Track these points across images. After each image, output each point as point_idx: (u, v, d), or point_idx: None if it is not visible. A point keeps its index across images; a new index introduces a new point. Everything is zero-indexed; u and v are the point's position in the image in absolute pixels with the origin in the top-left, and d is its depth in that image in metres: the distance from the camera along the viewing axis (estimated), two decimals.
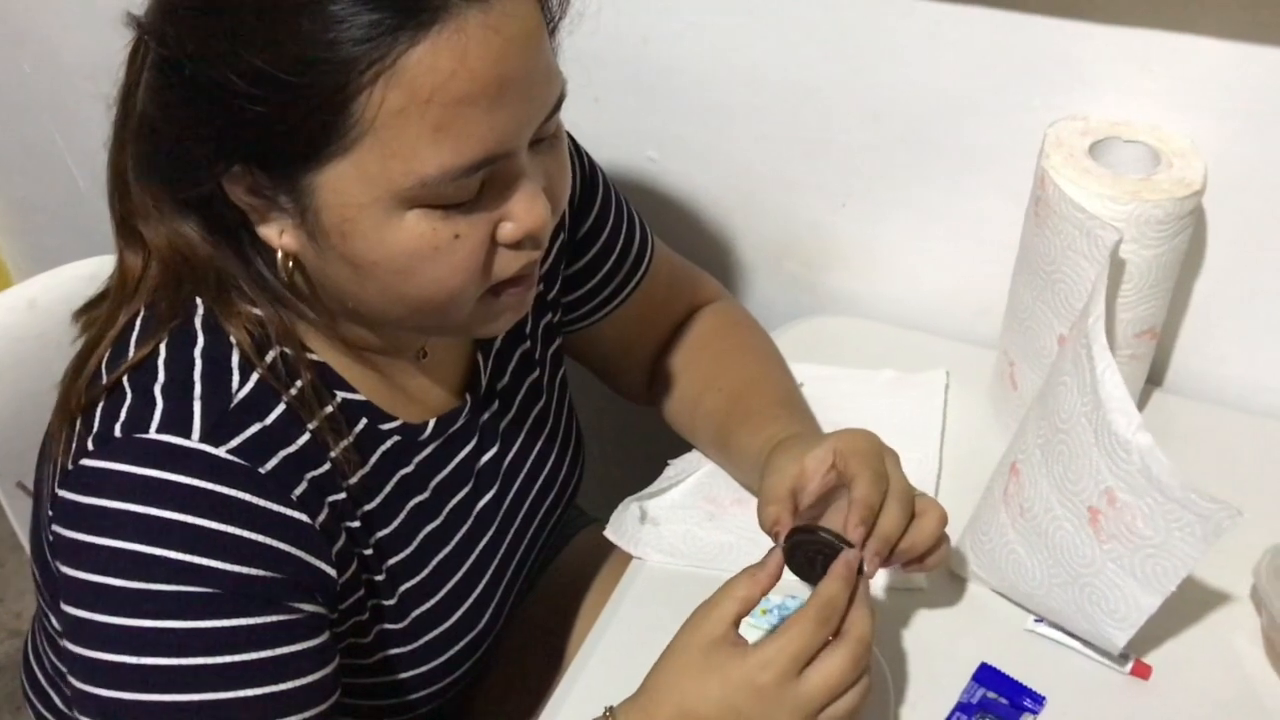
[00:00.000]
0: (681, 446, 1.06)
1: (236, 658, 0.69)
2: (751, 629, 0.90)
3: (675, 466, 1.04)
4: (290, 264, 0.73)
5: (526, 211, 0.70)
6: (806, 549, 0.78)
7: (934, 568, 0.83)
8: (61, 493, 0.70)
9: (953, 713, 0.85)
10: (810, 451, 0.82)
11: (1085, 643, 0.88)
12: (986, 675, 0.87)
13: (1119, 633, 0.84)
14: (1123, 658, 0.87)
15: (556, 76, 0.70)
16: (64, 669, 0.88)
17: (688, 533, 0.98)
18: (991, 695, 0.86)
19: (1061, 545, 0.84)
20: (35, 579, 0.88)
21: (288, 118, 0.64)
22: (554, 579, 1.14)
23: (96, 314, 0.78)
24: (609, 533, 0.99)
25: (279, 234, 0.71)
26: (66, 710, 0.91)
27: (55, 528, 0.71)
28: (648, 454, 1.07)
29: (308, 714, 0.72)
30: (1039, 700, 0.85)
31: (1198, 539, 0.77)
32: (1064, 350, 0.85)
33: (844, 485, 0.81)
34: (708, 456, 1.04)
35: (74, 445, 0.71)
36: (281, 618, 0.71)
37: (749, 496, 1.00)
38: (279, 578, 0.71)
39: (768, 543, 0.96)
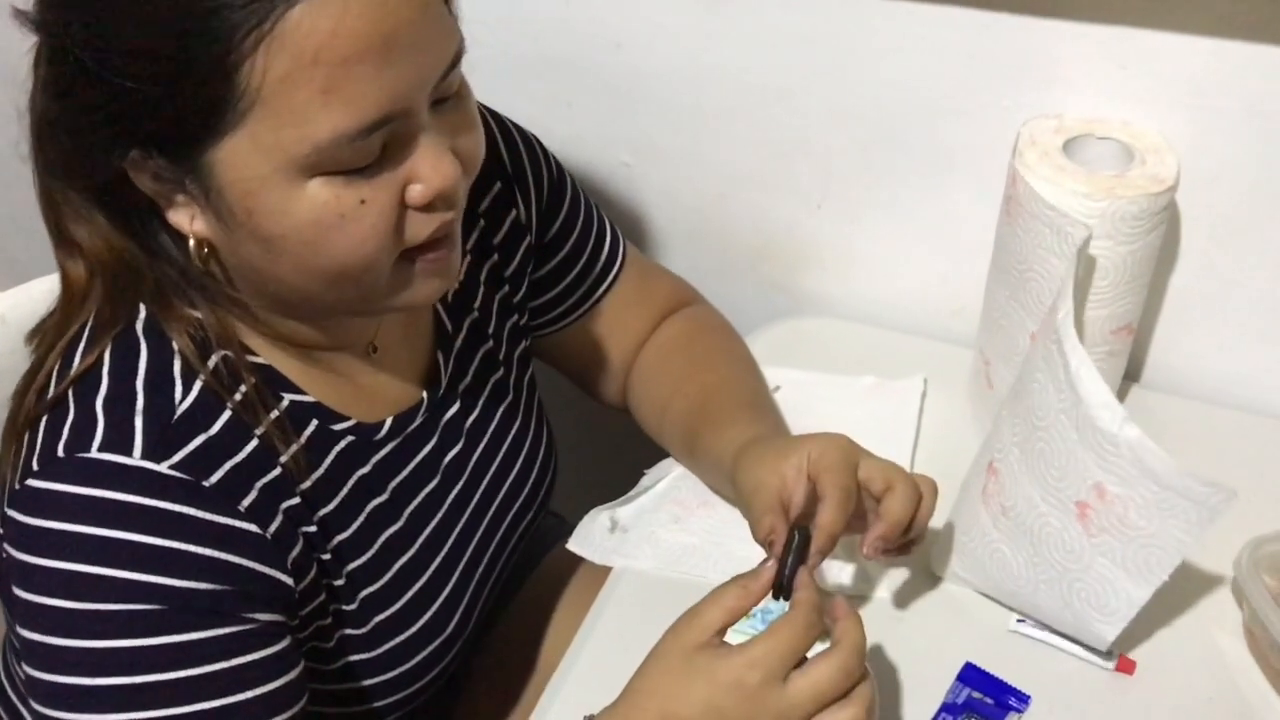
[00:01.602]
0: (659, 453, 1.06)
1: (189, 672, 0.69)
2: (737, 634, 0.89)
3: (650, 476, 1.04)
4: (205, 250, 0.72)
5: (433, 170, 0.69)
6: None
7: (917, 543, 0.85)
8: (10, 512, 0.70)
9: (938, 713, 0.84)
10: (787, 460, 0.83)
11: (1069, 639, 0.88)
12: (971, 675, 0.87)
13: (1108, 627, 0.84)
14: (1107, 654, 0.87)
15: (451, 32, 0.69)
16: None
17: (651, 535, 0.98)
18: (976, 695, 0.85)
19: (1048, 542, 0.84)
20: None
21: (175, 94, 0.63)
22: (534, 590, 1.13)
23: (48, 326, 0.77)
24: (573, 544, 0.99)
25: (189, 220, 0.71)
26: None
27: (6, 548, 0.71)
28: (629, 462, 1.07)
29: None
30: (1024, 699, 0.85)
31: (1192, 524, 0.77)
32: (1034, 348, 0.85)
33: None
34: (678, 461, 1.04)
35: (20, 463, 0.71)
36: (233, 629, 0.71)
37: (715, 499, 1.00)
38: (228, 589, 0.71)
39: (731, 545, 0.96)
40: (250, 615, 0.72)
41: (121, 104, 0.65)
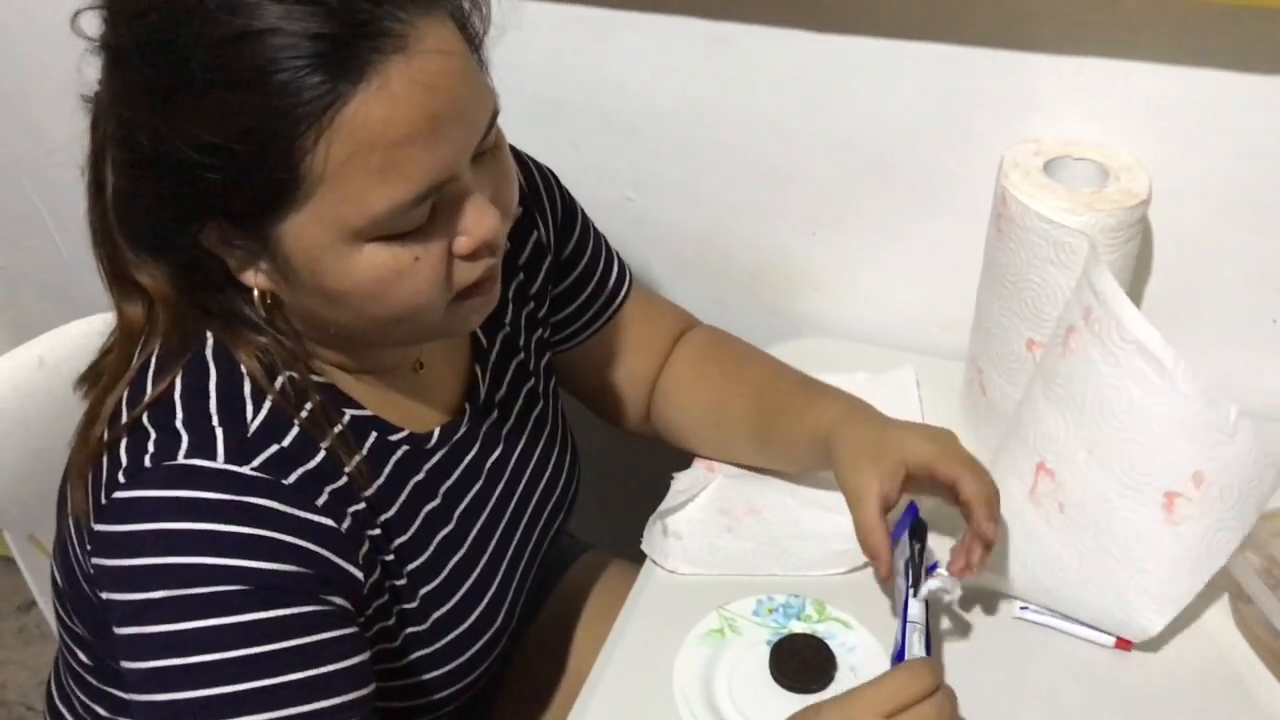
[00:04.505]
0: (671, 467, 1.11)
1: (276, 646, 0.74)
2: (758, 626, 0.95)
3: (682, 481, 1.09)
4: (268, 299, 0.78)
5: (477, 223, 0.75)
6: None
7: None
8: (99, 527, 0.75)
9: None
10: (880, 465, 0.91)
11: (1073, 621, 0.94)
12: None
13: (1158, 618, 0.90)
14: (1106, 633, 0.93)
15: (487, 95, 0.75)
16: (99, 708, 0.91)
17: (710, 545, 1.03)
18: None
19: (1117, 535, 0.90)
20: (58, 615, 0.91)
21: (243, 182, 0.69)
22: (555, 607, 1.18)
23: (102, 368, 0.82)
24: (645, 547, 1.04)
25: (254, 274, 0.77)
26: None
27: (95, 560, 0.75)
28: (639, 484, 1.11)
29: (347, 698, 0.77)
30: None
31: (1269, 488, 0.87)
32: (1091, 358, 0.89)
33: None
34: (741, 461, 1.09)
35: (104, 482, 0.76)
36: (314, 608, 0.76)
37: (760, 506, 1.06)
38: (308, 573, 0.76)
39: (785, 544, 1.02)
40: (327, 598, 0.77)
41: (194, 190, 0.71)
